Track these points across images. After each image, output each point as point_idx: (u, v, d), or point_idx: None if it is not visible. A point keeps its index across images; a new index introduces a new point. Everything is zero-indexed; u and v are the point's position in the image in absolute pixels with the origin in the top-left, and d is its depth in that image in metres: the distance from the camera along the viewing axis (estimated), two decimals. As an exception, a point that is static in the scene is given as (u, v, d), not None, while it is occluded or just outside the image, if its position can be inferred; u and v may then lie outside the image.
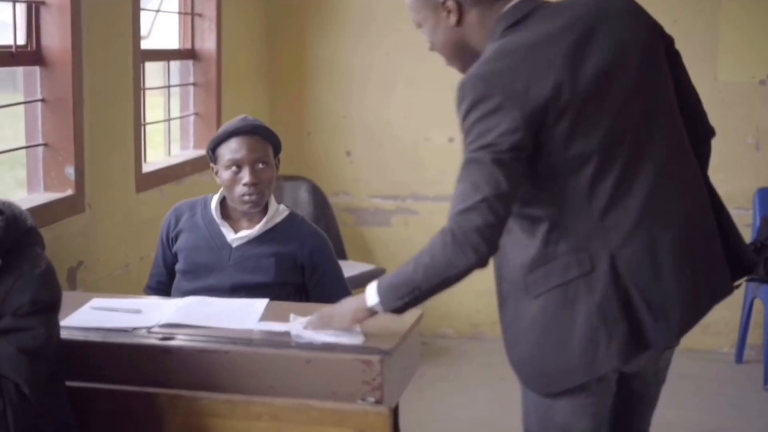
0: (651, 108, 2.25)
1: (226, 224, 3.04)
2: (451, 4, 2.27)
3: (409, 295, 2.25)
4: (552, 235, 2.22)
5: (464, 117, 2.16)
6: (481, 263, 2.16)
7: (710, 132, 2.48)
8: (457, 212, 2.14)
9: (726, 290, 2.36)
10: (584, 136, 2.16)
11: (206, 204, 3.09)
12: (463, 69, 2.33)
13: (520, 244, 2.28)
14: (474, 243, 2.12)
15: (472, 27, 2.29)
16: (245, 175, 2.96)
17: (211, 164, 3.06)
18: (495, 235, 2.14)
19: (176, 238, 3.08)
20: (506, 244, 2.26)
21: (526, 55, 2.18)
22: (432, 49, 2.38)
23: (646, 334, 2.20)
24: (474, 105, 2.14)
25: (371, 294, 2.31)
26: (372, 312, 2.34)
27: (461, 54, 2.33)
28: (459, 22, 2.28)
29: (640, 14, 2.31)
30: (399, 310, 2.29)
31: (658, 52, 2.30)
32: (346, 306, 2.44)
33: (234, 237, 3.01)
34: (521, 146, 2.13)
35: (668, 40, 2.35)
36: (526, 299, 2.26)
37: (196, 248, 3.03)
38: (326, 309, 2.49)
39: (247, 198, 2.97)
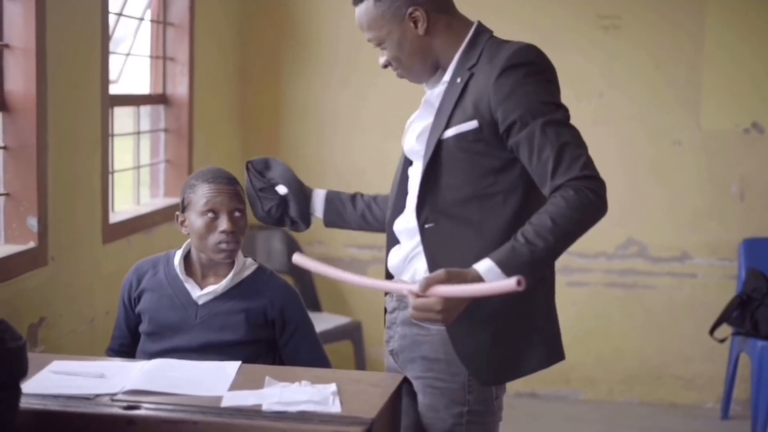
0: None
1: (190, 280, 2.88)
2: (419, 14, 2.38)
3: (544, 268, 2.30)
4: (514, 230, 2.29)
5: (530, 73, 2.29)
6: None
7: None
8: (580, 170, 2.22)
9: None
10: None
11: (169, 260, 2.93)
12: (424, 78, 2.48)
13: (477, 235, 2.36)
14: (603, 195, 2.24)
15: (440, 33, 2.42)
16: (223, 223, 2.82)
17: (177, 213, 2.92)
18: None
19: (139, 298, 2.92)
20: (458, 237, 2.37)
21: None
22: (389, 64, 2.46)
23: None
24: (541, 69, 2.33)
25: (496, 277, 2.16)
26: None
27: (427, 61, 2.44)
28: (428, 30, 2.40)
29: None
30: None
31: None
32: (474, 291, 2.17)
33: (200, 294, 2.86)
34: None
35: None
36: None
37: (161, 308, 2.87)
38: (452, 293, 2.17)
39: (224, 246, 2.83)
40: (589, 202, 2.21)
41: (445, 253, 2.38)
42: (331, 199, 2.78)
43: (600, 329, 5.34)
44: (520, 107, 2.28)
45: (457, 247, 2.37)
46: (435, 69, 2.47)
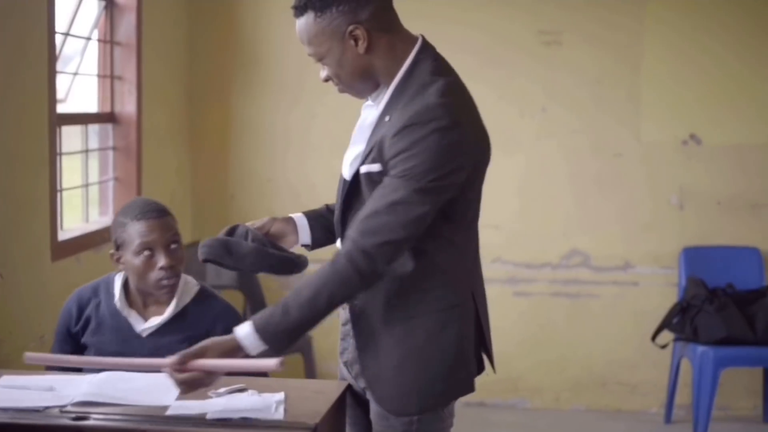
0: None
1: (133, 312, 2.84)
2: (360, 32, 2.32)
3: (303, 335, 2.30)
4: (437, 262, 2.36)
5: (430, 133, 2.23)
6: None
7: None
8: (371, 246, 2.23)
9: None
10: (478, 186, 2.41)
11: (109, 289, 2.88)
12: (365, 95, 2.45)
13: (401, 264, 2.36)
14: (371, 280, 2.28)
15: (381, 53, 2.36)
16: (161, 259, 2.77)
17: (111, 251, 2.85)
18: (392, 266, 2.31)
19: (84, 330, 2.87)
20: None
21: (473, 107, 2.39)
22: (330, 79, 2.43)
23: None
24: (444, 129, 2.24)
25: (253, 344, 2.27)
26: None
27: (368, 80, 2.40)
28: (368, 49, 2.34)
29: None
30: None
31: None
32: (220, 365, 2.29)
33: (143, 327, 2.83)
34: (460, 184, 2.30)
35: None
36: (395, 319, 2.36)
37: (105, 342, 2.83)
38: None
39: (165, 282, 2.79)
40: (354, 277, 2.24)
41: None
42: (313, 217, 2.71)
43: (546, 338, 5.43)
44: (402, 164, 2.25)
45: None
46: (376, 86, 2.42)
